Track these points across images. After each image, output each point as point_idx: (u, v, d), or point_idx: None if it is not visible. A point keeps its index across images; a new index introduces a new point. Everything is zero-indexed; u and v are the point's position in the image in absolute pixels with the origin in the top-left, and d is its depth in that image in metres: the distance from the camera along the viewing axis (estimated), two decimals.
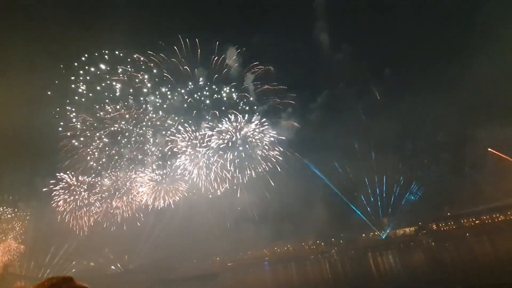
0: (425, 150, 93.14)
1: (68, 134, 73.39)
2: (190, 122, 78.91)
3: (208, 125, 79.16)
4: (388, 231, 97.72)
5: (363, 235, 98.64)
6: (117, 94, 76.26)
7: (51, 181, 75.55)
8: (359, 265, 65.79)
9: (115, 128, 76.75)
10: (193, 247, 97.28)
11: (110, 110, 75.06)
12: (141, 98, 78.35)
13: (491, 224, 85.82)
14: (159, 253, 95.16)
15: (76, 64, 72.97)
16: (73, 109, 73.80)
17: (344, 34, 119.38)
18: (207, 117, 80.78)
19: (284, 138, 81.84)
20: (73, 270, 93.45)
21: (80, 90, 72.73)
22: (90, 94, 74.14)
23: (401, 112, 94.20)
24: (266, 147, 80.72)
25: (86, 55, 73.34)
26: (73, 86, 72.83)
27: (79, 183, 77.95)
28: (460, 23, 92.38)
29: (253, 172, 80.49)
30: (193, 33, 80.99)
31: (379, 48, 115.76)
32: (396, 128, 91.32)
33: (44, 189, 77.05)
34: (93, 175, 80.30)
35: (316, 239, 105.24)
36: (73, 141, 74.17)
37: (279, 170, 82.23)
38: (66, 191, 77.08)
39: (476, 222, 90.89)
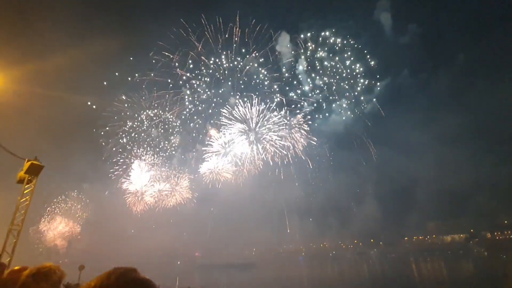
0: (496, 147, 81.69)
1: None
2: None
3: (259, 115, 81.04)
4: (434, 236, 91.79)
5: (406, 238, 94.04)
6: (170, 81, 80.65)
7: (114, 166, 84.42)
8: (400, 269, 63.29)
9: (168, 117, 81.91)
10: (234, 235, 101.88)
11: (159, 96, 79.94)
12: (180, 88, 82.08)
13: None
14: (204, 238, 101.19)
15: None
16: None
17: (410, 14, 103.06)
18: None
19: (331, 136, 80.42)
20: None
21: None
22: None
23: (473, 104, 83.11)
24: (315, 140, 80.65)
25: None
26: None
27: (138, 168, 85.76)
28: None
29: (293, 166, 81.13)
30: (246, 19, 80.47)
31: (452, 29, 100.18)
32: (465, 121, 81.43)
33: (108, 174, 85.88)
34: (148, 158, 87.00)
35: (354, 238, 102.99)
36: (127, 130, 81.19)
37: (329, 163, 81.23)
38: (127, 176, 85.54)
39: None
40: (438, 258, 77.12)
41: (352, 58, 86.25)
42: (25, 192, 15.02)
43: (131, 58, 79.27)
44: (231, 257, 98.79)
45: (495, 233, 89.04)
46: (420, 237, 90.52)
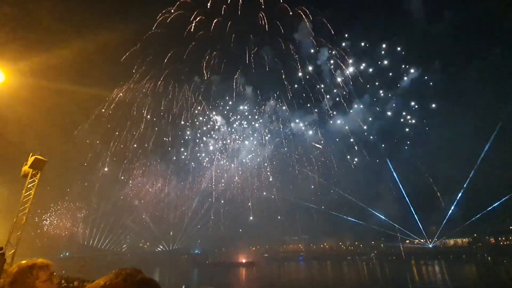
0: None
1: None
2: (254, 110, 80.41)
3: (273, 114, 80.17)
4: (436, 239, 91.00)
5: (407, 241, 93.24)
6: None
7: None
8: (400, 272, 62.98)
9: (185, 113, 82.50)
10: (236, 233, 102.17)
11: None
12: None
13: None
14: (204, 236, 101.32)
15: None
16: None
17: None
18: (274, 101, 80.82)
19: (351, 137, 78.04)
20: (124, 246, 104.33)
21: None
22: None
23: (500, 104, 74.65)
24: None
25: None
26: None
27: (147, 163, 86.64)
28: None
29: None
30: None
31: (490, 18, 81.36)
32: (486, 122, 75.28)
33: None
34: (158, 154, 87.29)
35: (354, 240, 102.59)
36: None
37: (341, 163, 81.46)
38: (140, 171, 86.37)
39: None
40: (439, 261, 76.48)
41: (377, 49, 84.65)
42: (28, 186, 15.14)
43: (138, 45, 78.61)
44: (231, 256, 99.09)
45: (500, 238, 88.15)
46: (422, 240, 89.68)
